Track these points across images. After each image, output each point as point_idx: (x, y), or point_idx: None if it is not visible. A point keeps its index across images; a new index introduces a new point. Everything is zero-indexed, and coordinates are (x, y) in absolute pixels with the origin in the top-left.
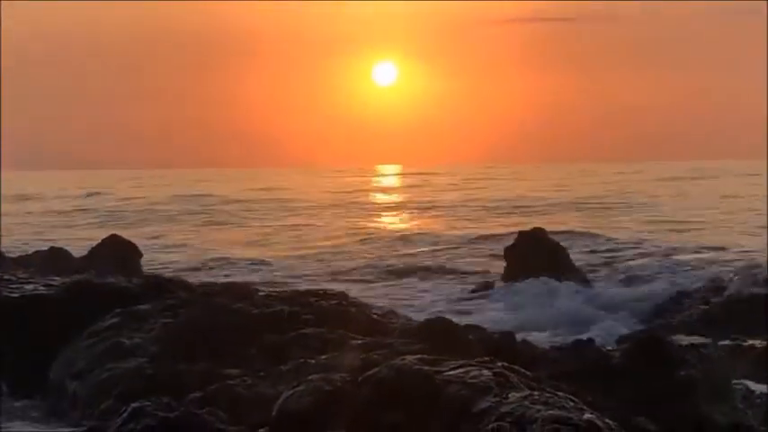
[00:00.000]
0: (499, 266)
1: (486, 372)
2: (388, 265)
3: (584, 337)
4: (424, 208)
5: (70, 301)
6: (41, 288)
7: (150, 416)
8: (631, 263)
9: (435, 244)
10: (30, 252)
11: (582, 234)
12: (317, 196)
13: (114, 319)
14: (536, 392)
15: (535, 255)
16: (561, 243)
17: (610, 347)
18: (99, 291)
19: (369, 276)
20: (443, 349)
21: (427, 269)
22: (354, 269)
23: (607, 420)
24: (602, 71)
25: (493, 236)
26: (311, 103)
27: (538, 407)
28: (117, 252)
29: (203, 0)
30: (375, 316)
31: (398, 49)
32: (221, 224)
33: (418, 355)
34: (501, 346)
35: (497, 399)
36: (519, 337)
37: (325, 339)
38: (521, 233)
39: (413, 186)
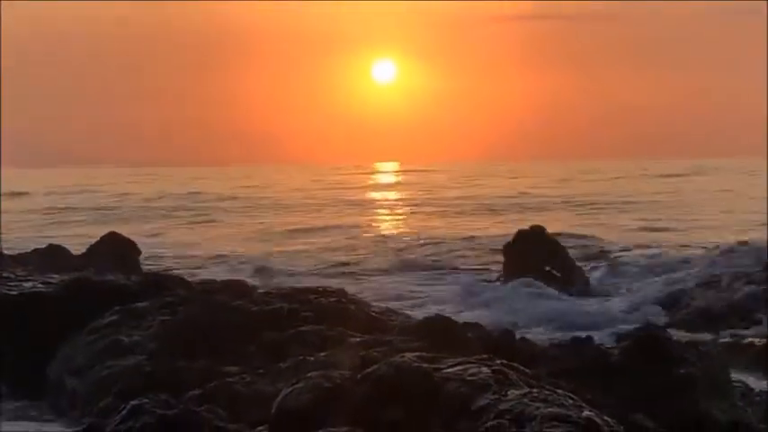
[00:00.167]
0: (498, 264)
1: (485, 369)
2: (383, 262)
3: (583, 334)
4: (420, 205)
5: (69, 298)
6: (40, 286)
7: (149, 413)
8: (630, 261)
9: (433, 242)
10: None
11: (581, 231)
12: (303, 194)
13: (113, 317)
14: (535, 390)
15: (534, 253)
16: (560, 240)
17: (609, 345)
18: (98, 288)
19: (363, 273)
20: (442, 347)
21: (424, 266)
22: (348, 266)
23: (606, 418)
24: (600, 70)
25: (491, 233)
26: (311, 102)
27: (537, 404)
28: (116, 249)
29: (203, 0)
30: (374, 313)
31: (398, 47)
32: (205, 222)
33: (417, 353)
34: (500, 343)
35: (496, 396)
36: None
37: (324, 337)
38: (520, 231)
39: (410, 184)
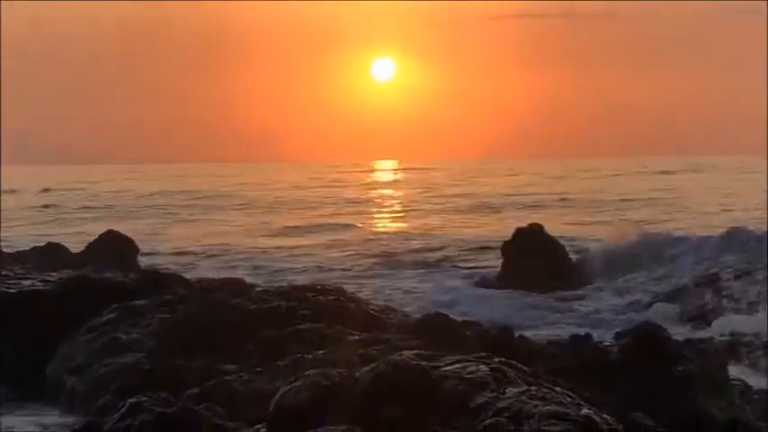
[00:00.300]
0: (496, 262)
1: (483, 367)
2: (380, 260)
3: (582, 332)
4: (419, 202)
5: (68, 296)
6: (39, 284)
7: (147, 411)
8: (629, 258)
9: (430, 239)
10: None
11: (580, 229)
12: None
13: (111, 315)
14: (533, 388)
15: (533, 251)
16: (558, 238)
17: (607, 343)
18: (96, 286)
19: (360, 270)
20: (441, 345)
21: (421, 264)
22: (342, 263)
23: (604, 416)
24: (599, 68)
25: (490, 232)
26: (310, 100)
27: (535, 402)
28: (114, 247)
29: (203, 0)
30: (372, 311)
31: (397, 46)
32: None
33: (415, 351)
34: (498, 341)
35: (495, 394)
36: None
37: (322, 335)
38: (518, 229)
39: (408, 182)
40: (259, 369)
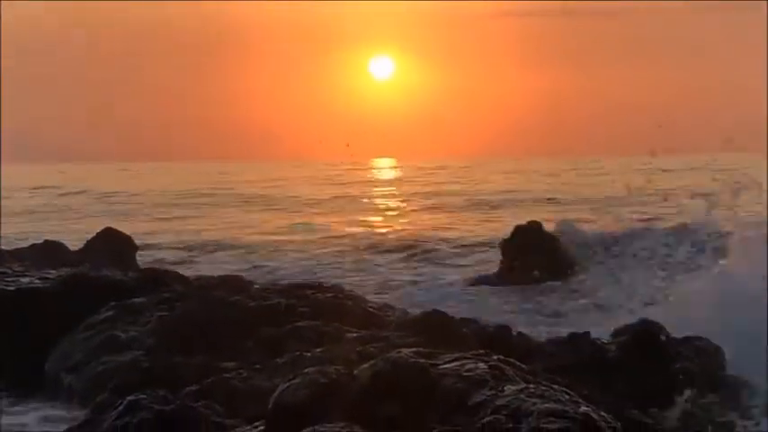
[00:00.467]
0: (495, 259)
1: (481, 365)
2: (378, 257)
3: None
4: (417, 201)
5: (66, 294)
6: (37, 282)
7: (146, 409)
8: (628, 257)
9: (429, 237)
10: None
11: (578, 226)
12: (299, 190)
13: (110, 312)
14: (532, 385)
15: (532, 248)
16: (557, 236)
17: (605, 341)
18: (94, 284)
19: (358, 267)
20: (439, 342)
21: (419, 261)
22: (340, 260)
23: (603, 413)
24: (598, 67)
25: (489, 229)
26: (309, 98)
27: (533, 400)
28: (112, 245)
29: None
30: (371, 309)
31: (395, 44)
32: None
33: (414, 348)
34: (496, 339)
35: (493, 392)
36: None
37: (320, 332)
38: (517, 227)
39: (406, 179)
40: (258, 366)
